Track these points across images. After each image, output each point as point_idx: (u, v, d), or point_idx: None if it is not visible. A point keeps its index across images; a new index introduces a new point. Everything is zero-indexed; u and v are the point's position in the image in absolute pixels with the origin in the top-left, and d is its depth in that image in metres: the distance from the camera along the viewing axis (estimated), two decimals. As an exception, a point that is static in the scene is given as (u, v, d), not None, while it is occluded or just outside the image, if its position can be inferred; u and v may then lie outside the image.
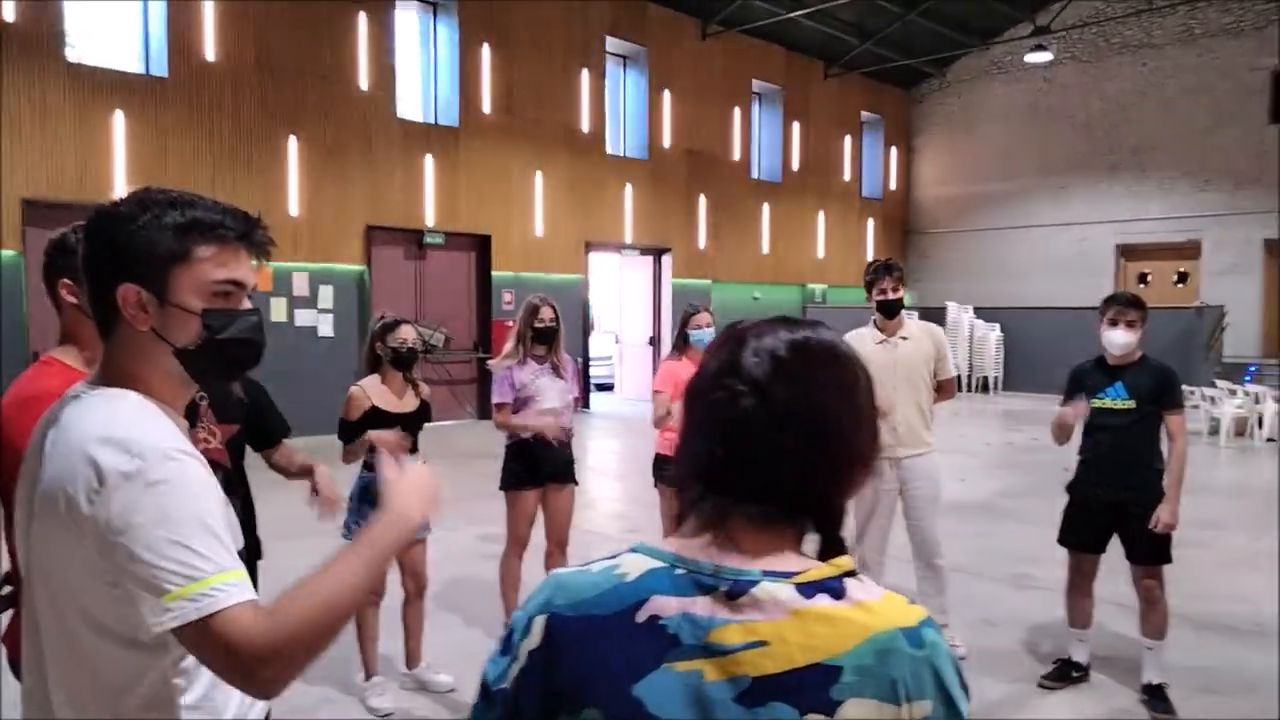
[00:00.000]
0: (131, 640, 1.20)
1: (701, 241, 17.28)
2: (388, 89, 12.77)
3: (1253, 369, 15.50)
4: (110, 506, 1.15)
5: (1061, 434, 4.11)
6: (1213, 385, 13.84)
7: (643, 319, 16.77)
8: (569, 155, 14.89)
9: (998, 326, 18.38)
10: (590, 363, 13.98)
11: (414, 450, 3.91)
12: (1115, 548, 4.07)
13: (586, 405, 14.71)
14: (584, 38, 15.06)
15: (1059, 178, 19.46)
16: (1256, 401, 12.86)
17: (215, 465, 2.41)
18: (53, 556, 1.23)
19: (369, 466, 3.86)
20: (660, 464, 4.67)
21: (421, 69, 13.64)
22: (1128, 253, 19.11)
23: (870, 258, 20.89)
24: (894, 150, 21.62)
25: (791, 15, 16.60)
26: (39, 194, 9.80)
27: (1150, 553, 3.96)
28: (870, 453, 0.98)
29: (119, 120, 10.40)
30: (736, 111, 17.85)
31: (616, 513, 7.91)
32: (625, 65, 16.32)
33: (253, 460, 3.21)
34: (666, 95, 16.54)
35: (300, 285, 11.84)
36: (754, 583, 0.89)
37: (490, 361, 5.03)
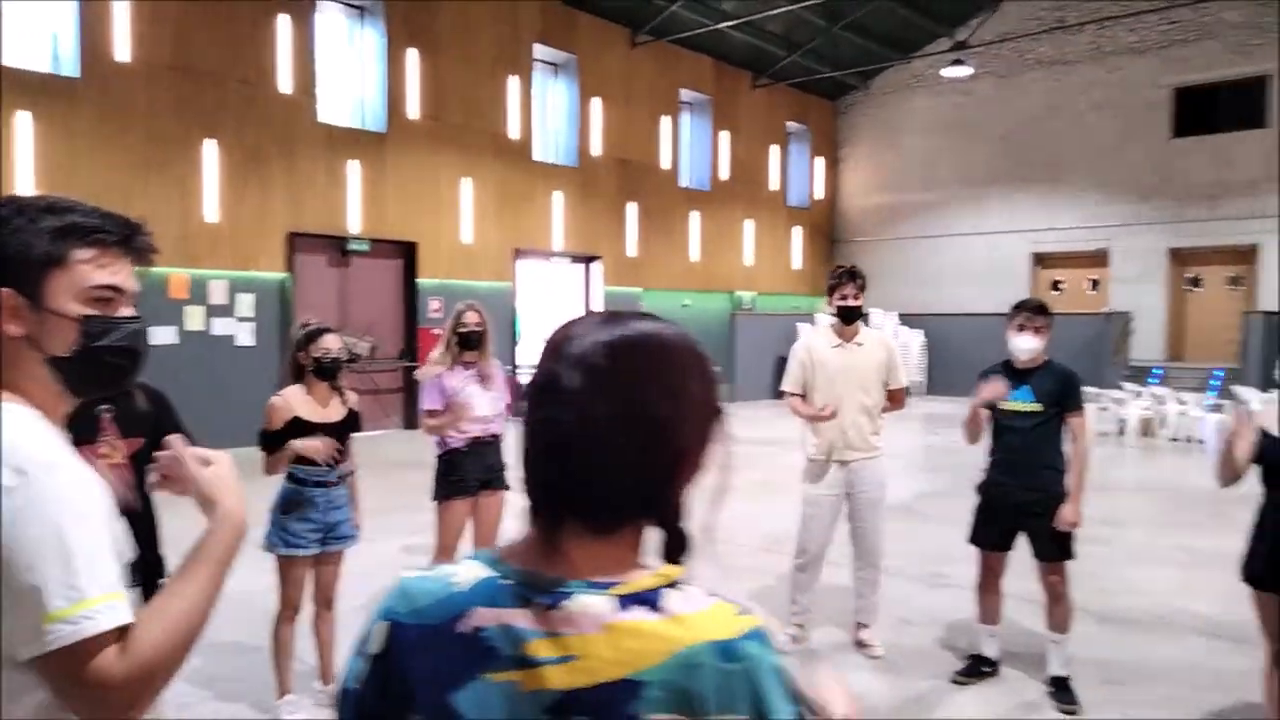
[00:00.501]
0: (11, 659, 1.15)
1: (631, 249, 17.35)
2: (310, 93, 12.54)
3: (1157, 372, 16.20)
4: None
5: (972, 433, 4.26)
6: (1120, 388, 14.46)
7: (573, 326, 16.72)
8: (498, 162, 14.81)
9: (921, 333, 18.88)
10: (519, 371, 13.89)
11: (340, 461, 3.85)
12: (1024, 545, 4.21)
13: (518, 413, 14.58)
14: (513, 45, 15.01)
15: (977, 188, 20.06)
16: (1160, 403, 13.49)
17: (120, 480, 2.33)
18: None
19: (292, 479, 3.80)
20: None
21: (347, 73, 13.43)
22: (1042, 260, 19.78)
23: (797, 266, 21.38)
24: (820, 160, 22.00)
25: (720, 26, 16.83)
26: (-63, 198, 9.36)
27: (1054, 550, 4.11)
28: (701, 443, 0.96)
29: (24, 121, 9.99)
30: (665, 120, 17.99)
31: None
32: (555, 73, 16.32)
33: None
34: (596, 103, 16.58)
35: (218, 293, 11.53)
36: (569, 595, 0.89)
37: (418, 371, 4.97)
